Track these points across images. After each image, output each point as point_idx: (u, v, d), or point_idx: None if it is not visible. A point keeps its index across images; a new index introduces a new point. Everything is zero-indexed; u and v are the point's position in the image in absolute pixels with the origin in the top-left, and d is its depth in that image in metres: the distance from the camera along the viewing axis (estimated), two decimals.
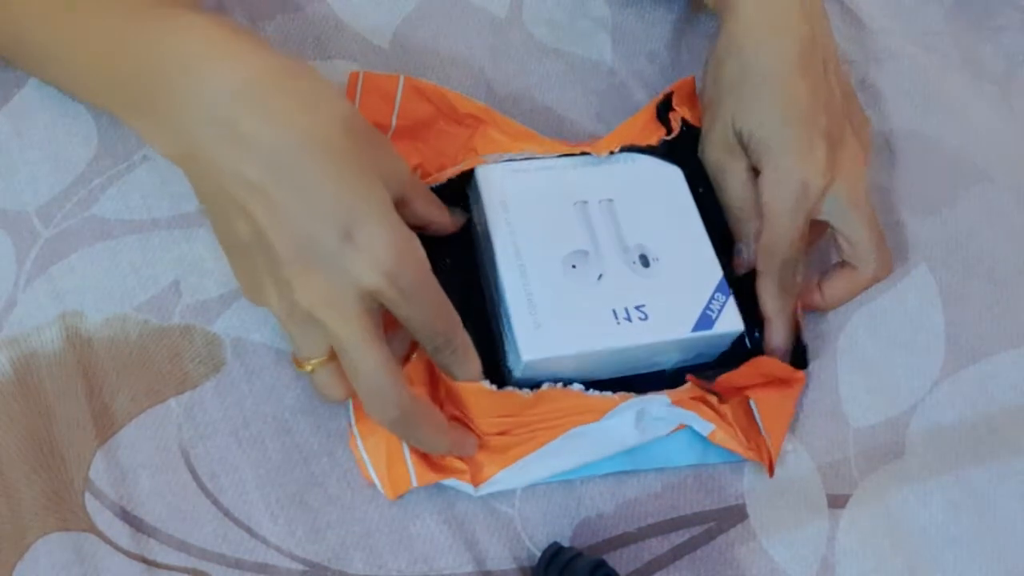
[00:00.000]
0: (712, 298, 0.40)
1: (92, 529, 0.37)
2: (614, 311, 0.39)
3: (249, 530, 0.38)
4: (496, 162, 0.43)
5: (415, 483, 0.38)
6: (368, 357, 0.34)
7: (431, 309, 0.35)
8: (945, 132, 0.52)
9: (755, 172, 0.44)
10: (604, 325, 0.39)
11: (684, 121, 0.46)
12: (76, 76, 0.40)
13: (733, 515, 0.41)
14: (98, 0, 0.38)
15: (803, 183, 0.42)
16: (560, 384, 0.39)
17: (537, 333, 0.38)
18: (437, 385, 0.40)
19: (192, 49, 0.35)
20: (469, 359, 0.38)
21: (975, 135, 0.52)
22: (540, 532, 0.40)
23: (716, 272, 0.41)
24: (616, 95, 0.50)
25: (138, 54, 0.36)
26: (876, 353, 0.45)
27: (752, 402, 0.41)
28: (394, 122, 0.45)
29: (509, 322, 0.39)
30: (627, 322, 0.39)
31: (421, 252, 0.35)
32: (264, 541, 0.38)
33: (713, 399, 0.41)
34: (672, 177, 0.44)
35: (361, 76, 0.45)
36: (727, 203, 0.45)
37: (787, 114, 0.42)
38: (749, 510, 0.41)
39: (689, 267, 0.41)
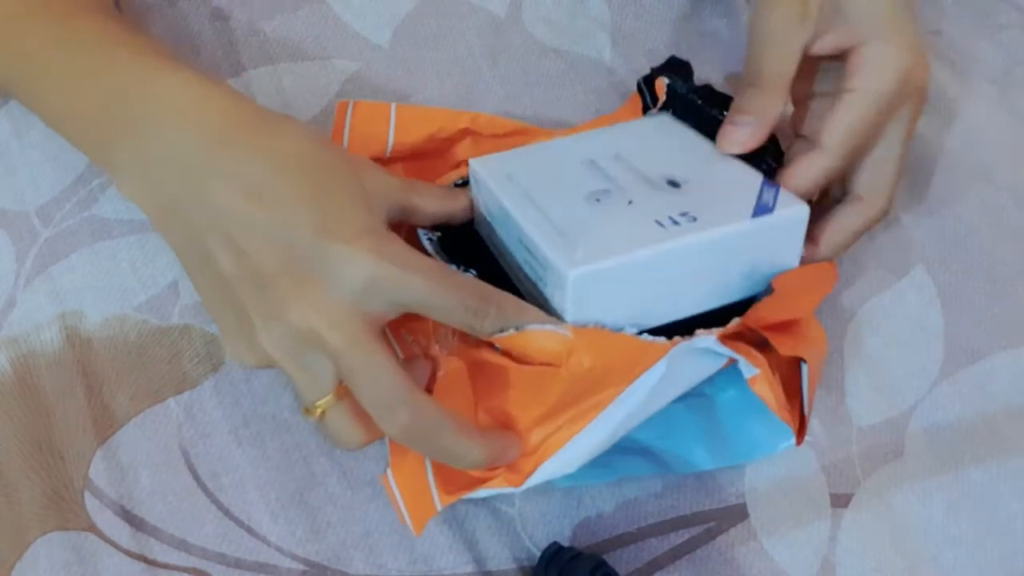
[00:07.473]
0: (762, 191, 0.36)
1: (92, 528, 0.37)
2: (657, 221, 0.34)
3: (249, 529, 0.38)
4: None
5: (439, 507, 0.35)
6: (371, 362, 0.32)
7: (439, 278, 0.33)
8: (944, 132, 0.52)
9: (808, 57, 0.41)
10: (650, 231, 0.34)
11: (670, 85, 0.44)
12: (48, 112, 0.40)
13: (733, 515, 0.41)
14: (70, 44, 0.38)
15: (907, 71, 0.39)
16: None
17: (576, 249, 0.33)
18: (468, 400, 0.37)
19: (159, 100, 0.35)
20: (521, 308, 0.34)
21: (975, 135, 0.52)
22: (540, 532, 0.39)
23: (756, 176, 0.37)
24: (616, 94, 0.50)
25: (104, 104, 0.36)
26: (876, 352, 0.45)
27: (804, 365, 0.38)
28: (388, 151, 0.43)
29: (543, 259, 0.34)
30: (675, 226, 0.34)
31: (401, 241, 0.34)
32: (264, 540, 0.38)
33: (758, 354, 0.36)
34: (669, 124, 0.42)
35: (351, 106, 0.42)
36: (761, 71, 0.40)
37: (905, 5, 0.40)
38: (749, 510, 0.41)
39: (724, 179, 0.37)
